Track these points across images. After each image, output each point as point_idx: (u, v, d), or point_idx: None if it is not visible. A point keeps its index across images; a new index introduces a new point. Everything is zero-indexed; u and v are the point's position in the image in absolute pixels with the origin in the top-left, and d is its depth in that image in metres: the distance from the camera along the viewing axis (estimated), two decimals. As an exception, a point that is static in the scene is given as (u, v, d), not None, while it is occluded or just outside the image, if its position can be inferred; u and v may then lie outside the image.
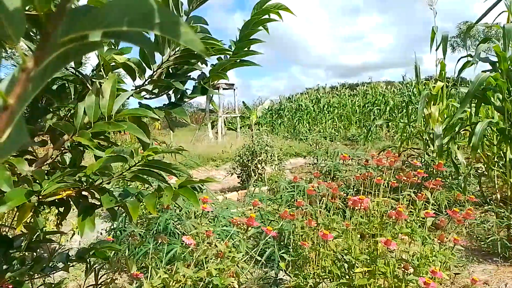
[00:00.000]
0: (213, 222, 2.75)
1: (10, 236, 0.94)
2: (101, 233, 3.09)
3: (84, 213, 0.77)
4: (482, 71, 3.35)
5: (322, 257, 1.88)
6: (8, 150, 0.23)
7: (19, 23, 0.23)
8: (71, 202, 0.86)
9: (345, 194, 2.63)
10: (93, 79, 0.84)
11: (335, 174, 4.71)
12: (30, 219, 0.90)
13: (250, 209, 3.22)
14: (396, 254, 1.78)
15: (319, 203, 2.24)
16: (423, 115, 4.44)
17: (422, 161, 4.25)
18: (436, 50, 4.51)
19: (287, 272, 2.10)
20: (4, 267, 0.86)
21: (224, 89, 14.33)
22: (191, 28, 0.23)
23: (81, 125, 0.75)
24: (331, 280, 1.82)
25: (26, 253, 0.97)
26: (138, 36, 0.26)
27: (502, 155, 3.42)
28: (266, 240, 2.25)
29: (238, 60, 0.96)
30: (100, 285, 1.27)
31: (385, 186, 2.17)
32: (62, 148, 0.86)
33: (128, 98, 0.84)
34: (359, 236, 1.92)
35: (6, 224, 1.59)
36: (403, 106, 15.03)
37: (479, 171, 3.94)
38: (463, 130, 4.12)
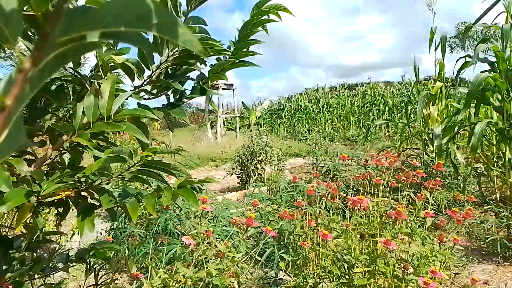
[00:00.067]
0: (213, 222, 2.75)
1: (10, 237, 0.93)
2: (101, 234, 3.10)
3: (84, 214, 0.77)
4: (481, 72, 3.36)
5: (322, 257, 1.88)
6: (6, 150, 0.23)
7: (16, 24, 0.23)
8: (70, 203, 0.86)
9: (344, 194, 2.62)
10: (91, 80, 0.84)
11: (334, 174, 4.72)
12: (30, 220, 0.90)
13: (250, 209, 3.22)
14: (396, 254, 1.78)
15: (319, 203, 2.24)
16: (422, 115, 4.44)
17: (422, 161, 4.25)
18: (435, 50, 4.52)
19: (287, 272, 2.10)
20: (4, 267, 0.86)
21: (223, 89, 14.34)
22: (189, 29, 0.23)
23: (80, 125, 0.75)
24: (331, 280, 1.82)
25: (26, 254, 0.97)
26: (136, 36, 0.26)
27: (501, 155, 3.43)
28: (266, 240, 2.25)
29: (237, 61, 0.96)
30: (100, 285, 1.27)
31: (384, 186, 2.17)
32: (61, 149, 0.86)
33: (127, 99, 0.84)
34: (358, 236, 1.92)
35: (6, 224, 1.59)
36: (402, 106, 15.02)
37: (478, 171, 3.94)
38: (462, 130, 4.12)
